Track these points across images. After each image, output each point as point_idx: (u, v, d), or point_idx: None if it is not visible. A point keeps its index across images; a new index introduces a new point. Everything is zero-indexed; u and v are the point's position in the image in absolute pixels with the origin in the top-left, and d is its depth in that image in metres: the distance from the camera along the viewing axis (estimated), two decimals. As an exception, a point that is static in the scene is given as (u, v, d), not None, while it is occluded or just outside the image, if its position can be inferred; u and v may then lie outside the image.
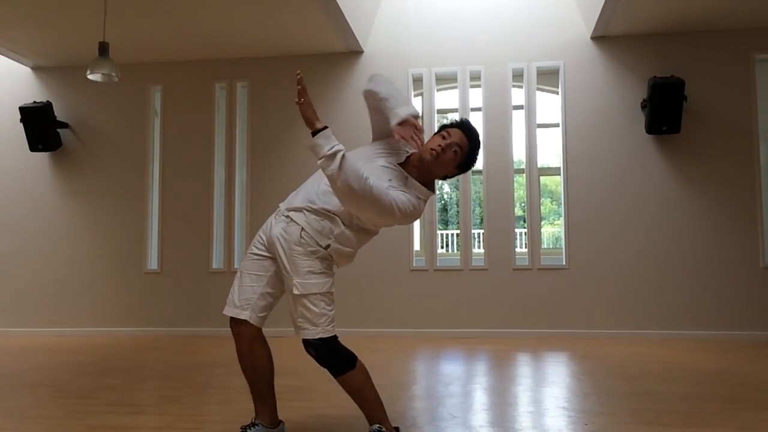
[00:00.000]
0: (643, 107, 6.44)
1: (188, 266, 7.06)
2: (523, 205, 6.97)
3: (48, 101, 7.19)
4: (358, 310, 6.55)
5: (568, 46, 6.72)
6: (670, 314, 6.33)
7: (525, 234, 7.18)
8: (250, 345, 2.80)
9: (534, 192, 6.74)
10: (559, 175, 6.85)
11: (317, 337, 2.59)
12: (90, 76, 5.92)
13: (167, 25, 6.33)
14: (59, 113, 7.30)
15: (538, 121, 6.81)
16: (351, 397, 2.73)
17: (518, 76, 6.86)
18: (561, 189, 6.80)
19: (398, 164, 2.67)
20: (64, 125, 7.31)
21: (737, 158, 6.38)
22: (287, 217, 2.64)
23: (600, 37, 6.64)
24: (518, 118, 6.84)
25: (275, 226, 2.68)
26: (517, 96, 6.90)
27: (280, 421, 2.93)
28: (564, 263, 6.57)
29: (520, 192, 7.16)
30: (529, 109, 6.75)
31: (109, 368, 4.97)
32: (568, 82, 6.70)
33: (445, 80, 7.16)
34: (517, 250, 6.74)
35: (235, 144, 7.20)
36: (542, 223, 7.59)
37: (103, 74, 5.93)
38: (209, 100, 7.24)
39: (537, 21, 6.79)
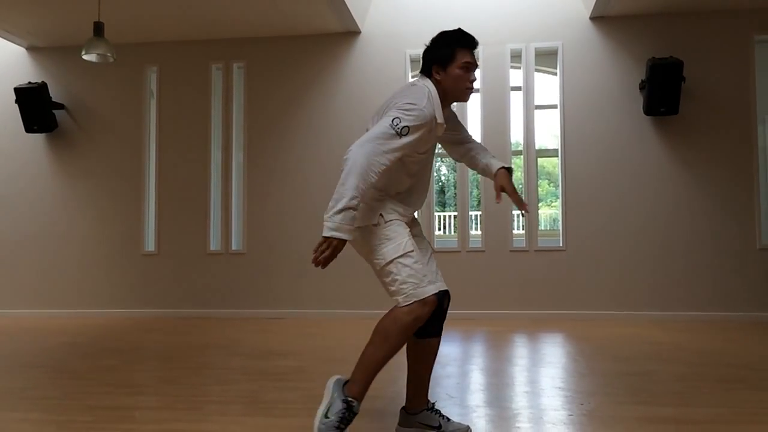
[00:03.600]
0: (641, 88, 6.41)
1: (185, 248, 7.06)
2: (520, 186, 6.96)
3: (43, 82, 7.14)
4: (356, 291, 6.57)
5: (567, 26, 6.68)
6: (666, 295, 6.36)
7: (522, 216, 7.18)
8: None
9: (531, 174, 6.74)
10: (557, 156, 6.84)
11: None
12: (85, 57, 5.88)
13: (163, 4, 6.27)
14: (54, 94, 7.26)
15: (536, 102, 6.78)
16: (432, 363, 2.80)
17: (516, 56, 6.82)
18: (558, 171, 6.79)
19: None
20: (60, 106, 7.26)
21: (735, 140, 6.38)
22: None
23: (599, 18, 6.60)
24: (516, 99, 6.81)
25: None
26: (515, 77, 6.86)
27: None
28: (561, 245, 6.59)
29: (517, 173, 7.14)
30: (527, 90, 6.73)
31: (106, 349, 4.99)
32: (566, 63, 6.67)
33: (443, 61, 7.09)
34: (515, 231, 6.75)
35: (232, 125, 7.17)
36: (539, 204, 7.60)
37: (98, 55, 5.89)
38: (206, 81, 7.20)
39: (535, 1, 6.74)
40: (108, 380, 3.82)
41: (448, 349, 4.84)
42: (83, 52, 5.80)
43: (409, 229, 2.59)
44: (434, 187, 7.02)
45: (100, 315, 7.01)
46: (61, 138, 7.34)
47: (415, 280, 2.46)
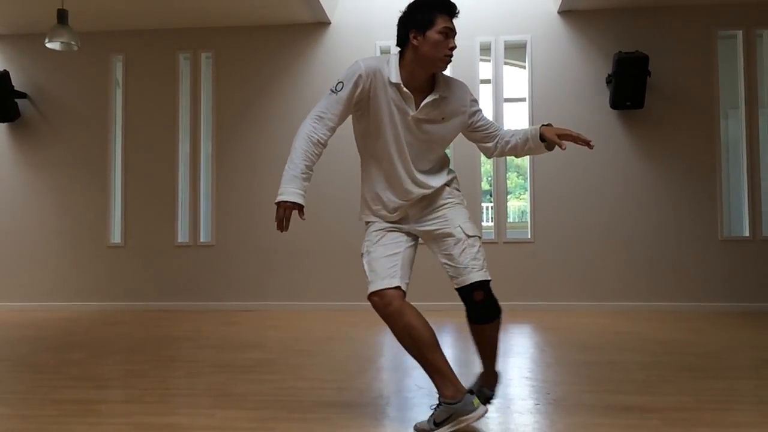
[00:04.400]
0: (608, 82, 6.50)
1: (153, 240, 6.97)
2: (489, 179, 7.01)
3: (5, 70, 6.96)
4: (326, 283, 6.56)
5: (536, 20, 6.73)
6: (632, 286, 6.47)
7: (491, 208, 7.24)
8: None
9: (500, 166, 6.79)
10: (526, 149, 6.89)
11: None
12: (49, 45, 5.76)
13: (129, -8, 6.16)
14: (17, 83, 7.09)
15: (506, 95, 6.83)
16: (489, 344, 2.77)
17: (486, 49, 6.86)
18: (527, 163, 6.85)
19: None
20: (23, 95, 7.10)
21: (698, 133, 6.50)
22: None
23: (567, 12, 6.66)
24: (486, 92, 6.85)
25: None
26: (485, 69, 6.90)
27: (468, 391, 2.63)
28: (529, 237, 6.66)
29: (486, 166, 7.21)
30: (497, 82, 6.77)
31: (72, 343, 4.91)
32: (535, 57, 6.72)
33: (413, 53, 7.11)
34: (484, 223, 6.81)
35: (200, 115, 7.08)
36: (508, 197, 7.66)
37: (62, 43, 5.78)
38: (173, 71, 7.09)
39: (505, -6, 6.78)
40: (73, 374, 3.76)
41: (418, 341, 4.85)
42: (47, 40, 5.69)
43: (383, 231, 2.70)
44: (404, 179, 6.99)
45: (66, 308, 6.89)
46: (23, 128, 7.17)
47: (369, 278, 2.66)
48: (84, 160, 7.10)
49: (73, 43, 5.73)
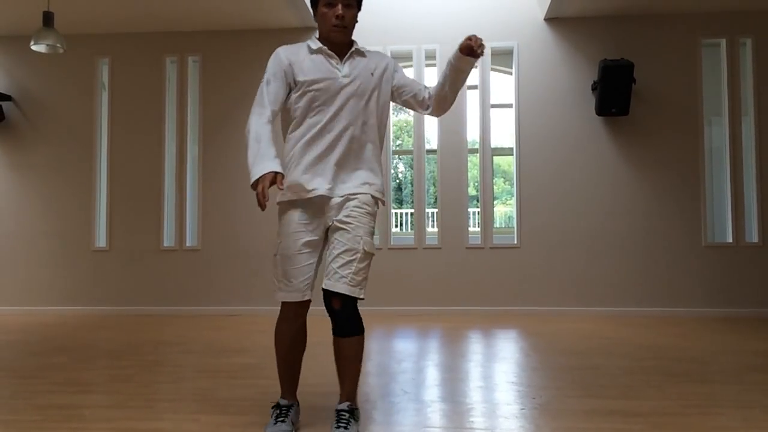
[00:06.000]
0: (593, 89, 6.55)
1: (138, 244, 6.93)
2: (476, 184, 7.04)
3: (-11, 72, 6.92)
4: (315, 289, 6.53)
5: (522, 26, 6.78)
6: (616, 292, 6.52)
7: (478, 213, 7.27)
8: None
9: (487, 172, 6.82)
10: (512, 155, 6.94)
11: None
12: (34, 47, 5.73)
13: (115, -5, 6.14)
14: (1, 85, 7.04)
15: (492, 101, 6.86)
16: (344, 363, 2.65)
17: (473, 55, 6.88)
18: (513, 169, 6.89)
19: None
20: (7, 98, 7.04)
21: (683, 140, 6.57)
22: None
23: (553, 19, 6.72)
24: (472, 98, 6.88)
25: None
26: (472, 75, 6.86)
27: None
28: (516, 242, 6.69)
29: (473, 172, 7.23)
30: (483, 88, 6.80)
31: (55, 347, 4.87)
32: (521, 63, 6.76)
33: (401, 59, 7.13)
34: (470, 229, 6.83)
35: (187, 119, 7.06)
36: (495, 202, 7.69)
37: (47, 45, 5.74)
38: (159, 74, 7.07)
39: (491, 1, 6.81)
40: (57, 378, 3.73)
41: (404, 345, 4.88)
42: (32, 43, 5.65)
43: (295, 222, 2.64)
44: (391, 185, 7.03)
45: (49, 312, 6.83)
46: (8, 130, 7.12)
47: (275, 282, 2.73)
48: (69, 164, 7.05)
49: (58, 45, 5.69)
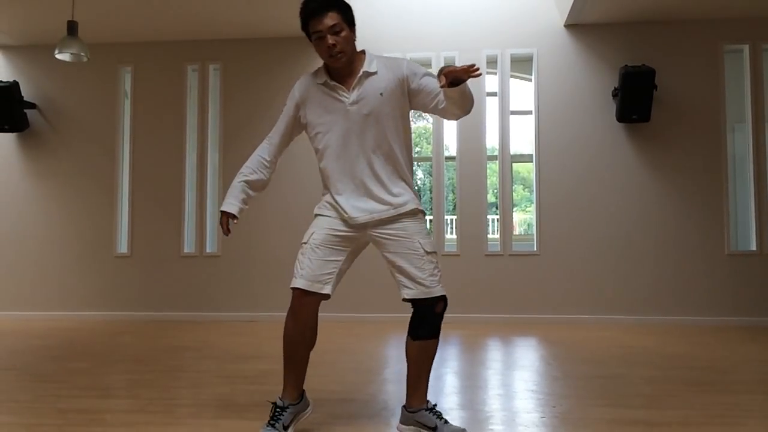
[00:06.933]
0: (614, 95, 6.51)
1: (159, 250, 6.99)
2: (495, 191, 7.02)
3: (15, 81, 7.02)
4: (334, 295, 6.53)
5: (542, 33, 6.75)
6: (638, 300, 6.45)
7: (497, 220, 7.24)
8: None
9: (506, 179, 6.79)
10: (532, 162, 6.90)
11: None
12: (58, 56, 5.81)
13: (138, 4, 6.21)
14: (26, 93, 7.15)
15: (512, 108, 6.85)
16: (420, 364, 2.66)
17: (492, 62, 6.88)
18: (533, 176, 6.86)
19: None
20: (32, 105, 7.15)
21: (705, 147, 6.50)
22: None
23: (573, 25, 6.69)
24: (492, 105, 6.87)
25: None
26: (491, 82, 6.92)
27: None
28: (535, 249, 6.65)
29: (492, 179, 7.20)
30: (503, 95, 6.78)
31: (77, 352, 4.92)
32: (541, 70, 6.74)
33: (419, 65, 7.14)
34: (489, 236, 6.80)
35: (207, 127, 7.12)
36: (514, 209, 7.66)
37: (71, 54, 5.83)
38: (181, 82, 7.14)
39: (511, 8, 6.81)
40: (79, 383, 3.76)
41: (423, 353, 4.84)
42: (56, 51, 5.74)
43: (325, 225, 2.66)
44: (410, 191, 6.99)
45: (72, 317, 6.90)
46: (32, 138, 7.23)
47: (295, 270, 2.65)
48: (91, 171, 7.14)
49: (82, 54, 5.77)
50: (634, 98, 6.30)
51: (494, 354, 4.98)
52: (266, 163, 2.84)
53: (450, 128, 6.98)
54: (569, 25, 6.69)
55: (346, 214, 2.63)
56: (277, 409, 2.66)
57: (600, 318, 6.41)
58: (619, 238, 6.51)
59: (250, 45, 7.06)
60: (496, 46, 6.79)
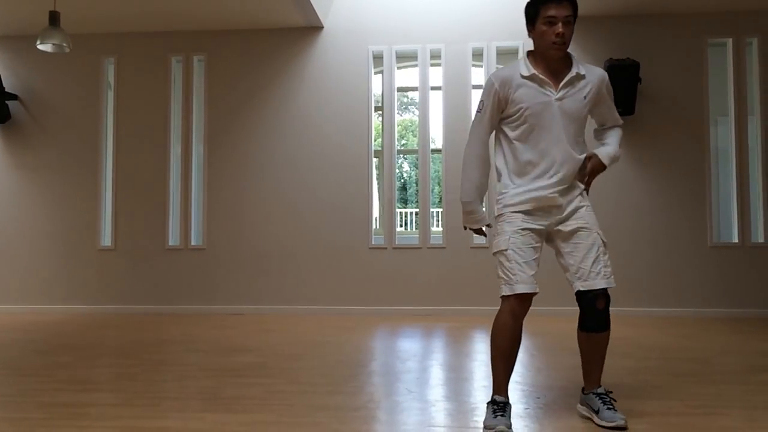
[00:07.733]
0: (599, 89, 6.53)
1: (143, 243, 6.95)
2: (480, 183, 7.02)
3: (-5, 71, 6.95)
4: (318, 287, 6.55)
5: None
6: (620, 291, 6.45)
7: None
8: None
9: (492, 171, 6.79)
10: (517, 154, 6.92)
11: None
12: (40, 47, 5.75)
13: (121, -5, 6.15)
14: (8, 84, 7.06)
15: (497, 100, 6.85)
16: (594, 355, 2.92)
17: (478, 55, 6.88)
18: (518, 168, 6.87)
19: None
20: (13, 97, 7.07)
21: (689, 140, 6.55)
22: None
23: (558, 18, 6.69)
24: (478, 97, 6.85)
25: None
26: (477, 75, 6.93)
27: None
28: (520, 241, 6.67)
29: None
30: (488, 88, 6.78)
31: (61, 346, 4.89)
32: (526, 63, 6.74)
33: (406, 58, 7.15)
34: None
35: (192, 119, 7.08)
36: (499, 201, 7.63)
37: (53, 44, 5.76)
38: (165, 74, 7.09)
39: (497, 0, 6.81)
40: (62, 377, 3.74)
41: (408, 345, 4.88)
42: (38, 42, 5.67)
43: (519, 223, 2.81)
44: (395, 184, 7.03)
45: (55, 311, 6.85)
46: (14, 130, 7.14)
47: (506, 278, 2.76)
48: (75, 163, 7.08)
49: (64, 44, 5.71)
50: (619, 91, 6.24)
51: (480, 346, 5.00)
52: (488, 164, 3.02)
53: (436, 121, 6.99)
54: (555, 18, 6.70)
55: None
56: (499, 404, 2.71)
57: (584, 310, 6.45)
58: (604, 231, 6.54)
59: (235, 36, 7.01)
60: (482, 39, 6.79)
